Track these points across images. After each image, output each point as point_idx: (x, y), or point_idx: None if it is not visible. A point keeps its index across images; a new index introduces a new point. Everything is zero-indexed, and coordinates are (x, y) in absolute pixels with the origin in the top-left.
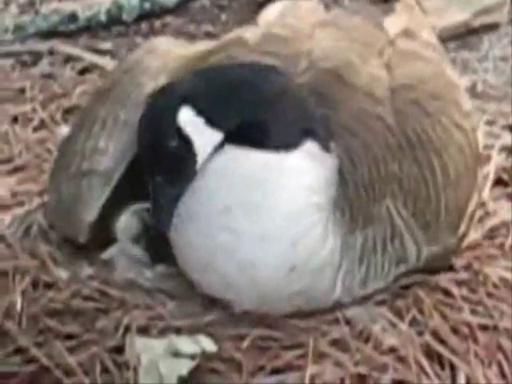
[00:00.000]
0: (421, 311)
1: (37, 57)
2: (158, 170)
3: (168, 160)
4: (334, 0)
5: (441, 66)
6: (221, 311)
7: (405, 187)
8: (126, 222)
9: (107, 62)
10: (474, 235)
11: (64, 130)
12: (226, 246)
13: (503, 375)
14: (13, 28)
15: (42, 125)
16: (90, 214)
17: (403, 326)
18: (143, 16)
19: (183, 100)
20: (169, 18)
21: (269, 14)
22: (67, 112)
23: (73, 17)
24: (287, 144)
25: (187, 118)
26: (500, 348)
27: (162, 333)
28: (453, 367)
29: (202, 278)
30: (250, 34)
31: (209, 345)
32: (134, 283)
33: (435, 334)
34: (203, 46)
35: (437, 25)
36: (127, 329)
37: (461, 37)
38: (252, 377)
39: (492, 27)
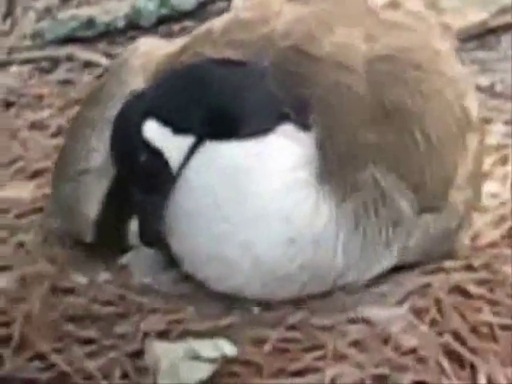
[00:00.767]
0: (440, 312)
1: (55, 63)
2: (136, 183)
3: (143, 173)
4: None
5: (425, 35)
6: (240, 314)
7: (385, 152)
8: None
9: None
10: (493, 235)
11: None
12: (223, 235)
13: None
14: (31, 34)
15: (60, 131)
16: (91, 209)
17: (423, 327)
18: (161, 21)
19: (146, 114)
20: (187, 22)
21: None
22: None
23: (90, 22)
24: (262, 129)
25: (153, 131)
26: None
27: (181, 337)
28: (473, 367)
29: (207, 273)
30: (217, 23)
31: (228, 348)
32: (152, 288)
33: (455, 335)
34: (180, 42)
35: (454, 25)
36: (146, 333)
37: (479, 37)
38: (272, 379)
39: (510, 27)
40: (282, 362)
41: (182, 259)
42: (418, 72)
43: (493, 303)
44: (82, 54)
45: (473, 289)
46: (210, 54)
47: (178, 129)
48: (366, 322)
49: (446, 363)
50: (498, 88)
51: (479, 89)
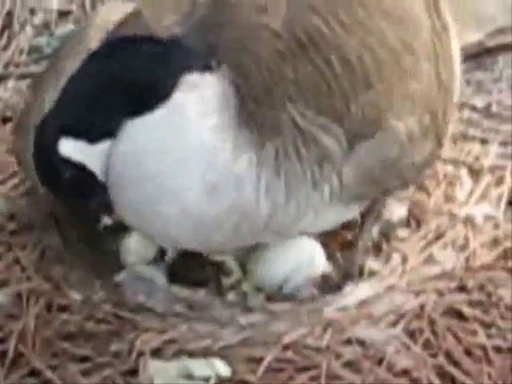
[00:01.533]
0: (434, 333)
1: None
2: (69, 199)
3: (72, 189)
4: None
5: None
6: (234, 334)
7: (302, 87)
8: (136, 243)
9: None
10: (488, 256)
11: None
12: (154, 194)
13: None
14: (28, 49)
15: None
16: None
17: (416, 348)
18: None
19: (57, 133)
20: None
21: None
22: None
23: None
24: (163, 96)
25: (68, 148)
26: None
27: (176, 356)
28: None
29: (152, 232)
30: None
31: (223, 368)
32: (147, 306)
33: (449, 356)
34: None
35: None
36: (141, 352)
37: (475, 57)
38: None
39: (506, 47)
40: (277, 382)
41: (132, 224)
42: (339, 2)
43: (487, 325)
44: None
45: (467, 310)
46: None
47: (91, 139)
48: (360, 343)
49: None
50: (494, 109)
51: (475, 109)
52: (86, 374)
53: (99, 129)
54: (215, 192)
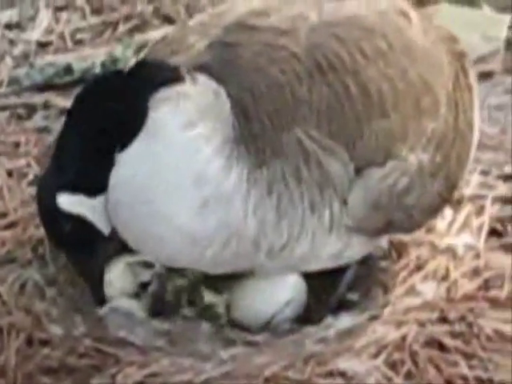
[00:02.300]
0: (416, 364)
1: (32, 110)
2: (71, 251)
3: (73, 241)
4: None
5: (382, 4)
6: (217, 367)
7: (315, 108)
8: (118, 276)
9: None
10: (468, 287)
11: None
12: (147, 215)
13: None
14: (8, 81)
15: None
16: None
17: (398, 380)
18: None
19: (55, 190)
20: None
21: None
22: None
23: (68, 69)
24: (140, 118)
25: (67, 203)
26: None
27: None
28: None
29: (147, 251)
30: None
31: None
32: (128, 340)
33: None
34: None
35: None
36: None
37: None
38: None
39: (486, 76)
40: None
41: (129, 244)
42: (363, 33)
43: (468, 356)
44: (59, 101)
45: (448, 341)
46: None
47: (89, 193)
48: (342, 375)
49: None
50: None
51: None
52: None
53: (96, 183)
54: (206, 207)
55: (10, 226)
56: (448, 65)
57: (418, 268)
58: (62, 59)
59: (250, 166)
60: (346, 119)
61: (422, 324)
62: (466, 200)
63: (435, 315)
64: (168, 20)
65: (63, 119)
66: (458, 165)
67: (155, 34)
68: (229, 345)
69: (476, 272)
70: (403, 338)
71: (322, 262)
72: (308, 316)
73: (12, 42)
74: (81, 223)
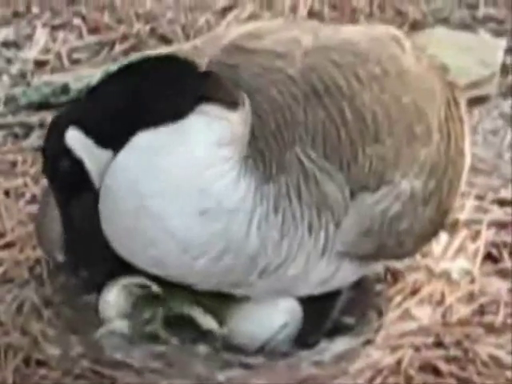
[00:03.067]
0: None
1: (28, 129)
2: (59, 188)
3: (64, 179)
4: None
5: (376, 31)
6: None
7: (311, 130)
8: (114, 298)
9: None
10: (464, 312)
11: None
12: (138, 210)
13: None
14: (4, 100)
15: (34, 199)
16: (55, 229)
17: None
18: None
19: (70, 122)
20: None
21: None
22: None
23: (65, 89)
24: (178, 112)
25: (75, 140)
26: None
27: None
28: None
29: (129, 249)
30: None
31: None
32: (125, 362)
33: None
34: None
35: None
36: None
37: None
38: None
39: (482, 100)
40: None
41: (111, 240)
42: (358, 59)
43: (463, 381)
44: None
45: (443, 366)
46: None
47: (99, 142)
48: None
49: None
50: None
51: None
52: None
53: (109, 136)
54: (203, 217)
55: (7, 246)
56: (440, 93)
57: (414, 292)
58: (59, 78)
59: (258, 180)
60: (341, 142)
61: (417, 348)
62: (461, 224)
63: (430, 340)
64: (165, 40)
65: None
66: (449, 193)
67: (152, 54)
68: (225, 367)
69: (471, 297)
70: (398, 363)
71: (310, 286)
72: (303, 339)
73: (9, 61)
74: (77, 167)
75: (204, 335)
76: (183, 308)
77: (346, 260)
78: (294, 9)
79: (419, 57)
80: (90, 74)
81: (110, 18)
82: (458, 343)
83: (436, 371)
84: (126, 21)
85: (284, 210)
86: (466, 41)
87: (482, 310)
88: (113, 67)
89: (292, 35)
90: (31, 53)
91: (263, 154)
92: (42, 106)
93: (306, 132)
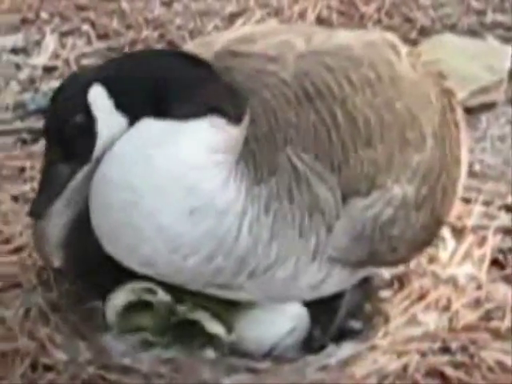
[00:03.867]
0: None
1: (37, 135)
2: (57, 143)
3: (70, 134)
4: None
5: (372, 36)
6: None
7: (302, 132)
8: (119, 305)
9: None
10: (470, 317)
11: None
12: (130, 204)
13: None
14: (13, 106)
15: None
16: (54, 234)
17: None
18: None
19: (97, 79)
20: None
21: None
22: None
23: None
24: (189, 114)
25: (97, 97)
26: None
27: None
28: None
29: (118, 244)
30: None
31: None
32: (132, 368)
33: None
34: None
35: None
36: None
37: None
38: None
39: (489, 106)
40: None
41: (101, 235)
42: (351, 63)
43: None
44: None
45: (450, 372)
46: None
47: (119, 105)
48: None
49: None
50: (477, 168)
51: None
52: None
53: (130, 103)
54: (194, 216)
55: (15, 251)
56: (435, 99)
57: (420, 298)
58: None
59: (249, 182)
60: (332, 145)
61: (423, 354)
62: (468, 230)
63: (437, 345)
64: (173, 46)
65: None
66: (443, 199)
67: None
68: (232, 372)
69: (478, 303)
70: (405, 368)
71: (301, 291)
72: (310, 344)
73: (18, 67)
74: (90, 124)
75: (211, 340)
76: (191, 313)
77: (338, 266)
78: (302, 15)
79: (414, 63)
80: None
81: (119, 24)
82: (464, 349)
83: (442, 376)
84: (135, 27)
85: (275, 212)
86: (473, 47)
87: (488, 316)
88: None
89: (284, 39)
90: (40, 59)
91: (254, 155)
92: None
93: (298, 134)
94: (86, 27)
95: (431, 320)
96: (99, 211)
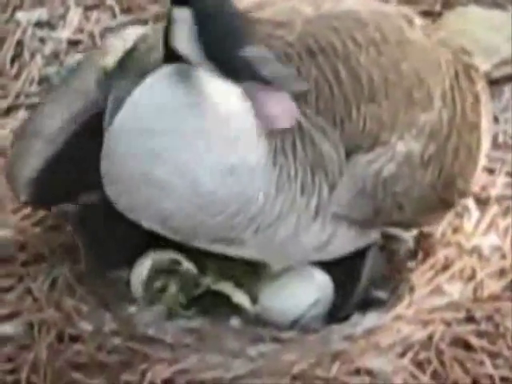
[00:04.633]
0: (442, 363)
1: None
2: None
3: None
4: None
5: (385, 7)
6: (244, 364)
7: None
8: (144, 274)
9: None
10: (495, 287)
11: None
12: (167, 151)
13: None
14: (38, 79)
15: None
16: (27, 170)
17: (425, 378)
18: None
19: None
20: None
21: None
22: None
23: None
24: (239, 74)
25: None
26: None
27: None
28: None
29: (137, 197)
30: None
31: None
32: (157, 338)
33: None
34: None
35: None
36: (152, 382)
37: None
38: None
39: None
40: None
41: (115, 188)
42: (357, 24)
43: (494, 356)
44: None
45: (474, 341)
46: None
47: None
48: (368, 373)
49: None
50: (501, 139)
51: None
52: None
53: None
54: (231, 175)
55: (40, 221)
56: (446, 65)
57: (445, 268)
58: None
59: (265, 136)
60: (334, 99)
61: (448, 324)
62: (492, 201)
63: (461, 315)
64: None
65: None
66: (454, 161)
67: None
68: (257, 342)
69: (502, 272)
70: (429, 338)
71: (305, 251)
72: (335, 313)
73: (42, 41)
74: None
75: (236, 310)
76: (215, 284)
77: (344, 225)
78: None
79: (429, 34)
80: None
81: None
82: (489, 318)
83: (467, 346)
84: (159, 0)
85: (281, 166)
86: (497, 19)
87: None
88: None
89: (292, 5)
90: (64, 33)
91: None
92: None
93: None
94: (110, 1)
95: (456, 290)
96: (120, 161)
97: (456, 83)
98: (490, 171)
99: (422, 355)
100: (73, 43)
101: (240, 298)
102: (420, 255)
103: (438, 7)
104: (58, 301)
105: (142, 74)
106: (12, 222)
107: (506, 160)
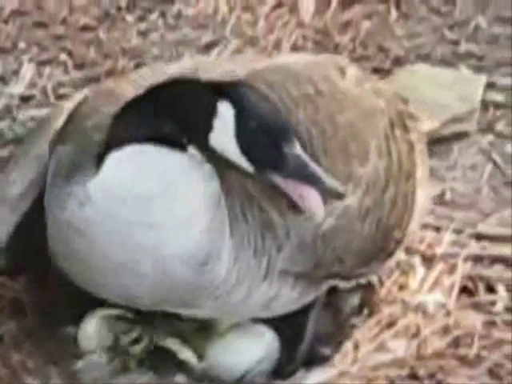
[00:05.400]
0: None
1: None
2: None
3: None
4: None
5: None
6: None
7: None
8: (93, 331)
9: None
10: (438, 344)
11: None
12: (145, 242)
13: None
14: None
15: None
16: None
17: None
18: None
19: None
20: None
21: None
22: None
23: None
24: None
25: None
26: None
27: None
28: None
29: (114, 281)
30: None
31: None
32: None
33: None
34: None
35: None
36: None
37: (430, 145)
38: None
39: (461, 136)
40: None
41: (70, 265)
42: (288, 77)
43: None
44: None
45: None
46: None
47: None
48: None
49: None
50: (448, 196)
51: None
52: None
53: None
54: (204, 265)
55: None
56: (380, 114)
57: (390, 325)
58: (44, 113)
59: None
60: None
61: (391, 381)
62: (438, 258)
63: (405, 372)
64: None
65: None
66: (392, 212)
67: None
68: None
69: (446, 330)
70: None
71: (254, 309)
72: (280, 370)
73: None
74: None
75: (183, 366)
76: (162, 341)
77: (289, 281)
78: (277, 45)
79: (361, 82)
80: None
81: (96, 54)
82: (432, 375)
83: None
84: (112, 56)
85: (237, 235)
86: (446, 77)
87: (456, 343)
88: None
89: (228, 69)
90: (17, 88)
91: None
92: None
93: None
94: (63, 57)
95: (400, 347)
96: (77, 243)
97: (391, 132)
98: (437, 229)
99: None
100: (25, 98)
101: (186, 354)
102: (365, 312)
103: (388, 64)
104: (4, 356)
105: (78, 142)
106: None
107: (453, 218)
